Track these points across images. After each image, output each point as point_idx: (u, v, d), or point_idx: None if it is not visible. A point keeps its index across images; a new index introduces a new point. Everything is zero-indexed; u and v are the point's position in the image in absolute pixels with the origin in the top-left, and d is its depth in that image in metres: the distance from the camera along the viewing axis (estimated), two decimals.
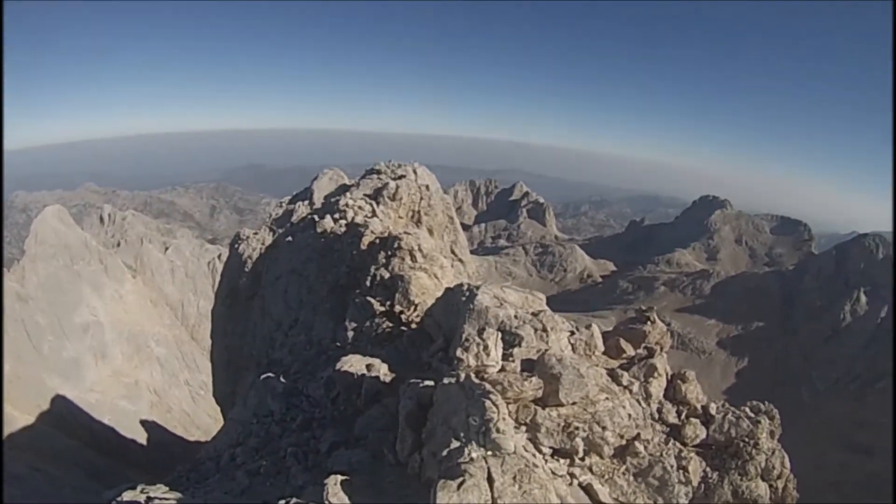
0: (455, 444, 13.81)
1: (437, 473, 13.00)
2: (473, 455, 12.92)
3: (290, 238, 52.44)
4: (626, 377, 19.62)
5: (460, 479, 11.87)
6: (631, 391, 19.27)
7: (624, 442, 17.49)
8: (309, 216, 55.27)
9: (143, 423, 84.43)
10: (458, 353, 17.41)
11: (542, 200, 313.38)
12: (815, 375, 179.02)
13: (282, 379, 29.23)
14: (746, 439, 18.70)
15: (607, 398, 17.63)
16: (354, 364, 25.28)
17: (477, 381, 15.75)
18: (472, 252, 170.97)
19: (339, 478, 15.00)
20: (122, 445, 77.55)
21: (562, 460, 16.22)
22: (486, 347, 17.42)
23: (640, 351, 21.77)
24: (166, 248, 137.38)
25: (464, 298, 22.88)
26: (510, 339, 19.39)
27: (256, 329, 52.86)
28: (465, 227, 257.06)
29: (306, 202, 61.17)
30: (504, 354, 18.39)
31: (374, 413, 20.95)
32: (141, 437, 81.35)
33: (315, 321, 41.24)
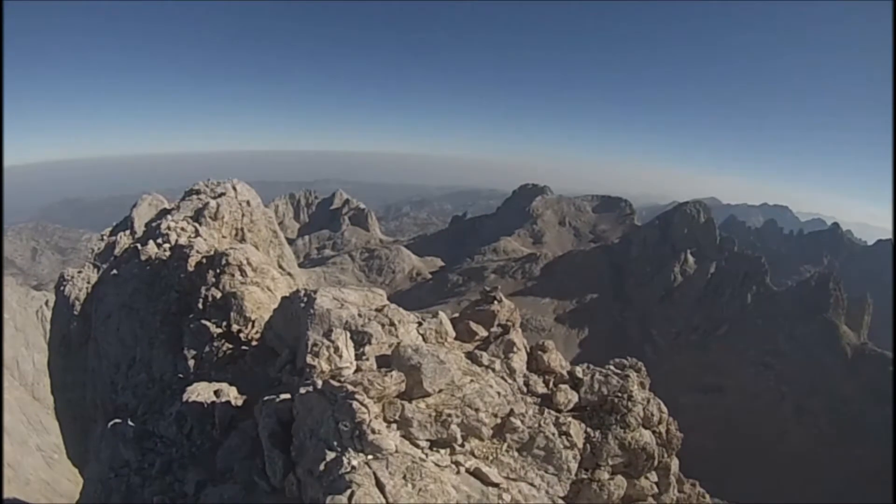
0: (331, 455, 12.85)
1: (320, 491, 12.04)
2: (354, 462, 12.03)
3: (115, 271, 49.60)
4: (486, 357, 19.08)
5: (348, 490, 10.97)
6: (494, 370, 18.74)
7: (499, 420, 16.85)
8: (132, 246, 53.05)
9: (4, 502, 78.62)
10: (309, 359, 16.24)
11: (363, 206, 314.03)
12: (656, 333, 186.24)
13: (130, 423, 27.41)
14: (619, 394, 18.66)
15: (472, 380, 16.89)
16: (201, 392, 23.85)
17: (338, 384, 14.63)
18: (300, 265, 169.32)
19: None
20: None
21: (442, 451, 15.34)
22: (336, 349, 16.37)
23: (493, 329, 21.20)
24: None
25: (303, 305, 21.88)
26: (359, 339, 18.53)
27: (95, 375, 49.83)
28: (290, 241, 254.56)
29: (128, 232, 58.75)
30: (356, 355, 17.46)
31: (234, 442, 19.60)
32: None
33: (153, 356, 39.28)
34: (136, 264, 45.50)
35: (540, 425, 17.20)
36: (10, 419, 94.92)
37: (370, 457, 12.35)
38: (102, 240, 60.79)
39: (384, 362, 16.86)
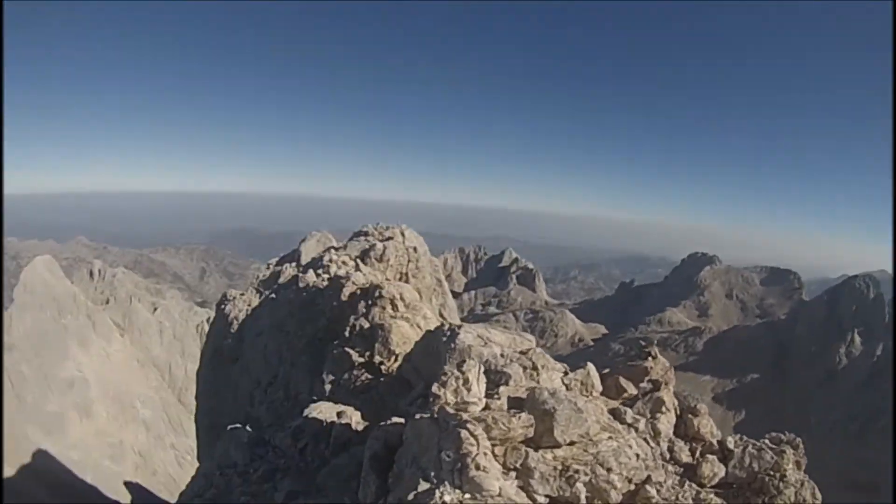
0: (424, 485, 11.49)
1: None
2: (446, 498, 10.60)
3: (273, 295, 51.15)
4: (629, 414, 17.23)
5: None
6: (637, 429, 16.89)
7: (633, 486, 14.81)
8: (294, 276, 53.80)
9: (127, 484, 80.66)
10: (434, 388, 14.75)
11: (531, 266, 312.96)
12: (814, 420, 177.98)
13: (248, 429, 26.98)
14: (771, 472, 16.46)
15: (611, 437, 15.08)
16: (324, 411, 23.25)
17: (454, 411, 13.24)
18: (463, 319, 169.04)
19: None
20: None
21: None
22: (466, 381, 14.80)
23: (643, 385, 19.39)
24: (155, 309, 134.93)
25: (444, 339, 20.85)
26: (496, 378, 16.90)
27: (238, 389, 51.00)
28: (455, 295, 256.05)
29: (293, 264, 60.07)
30: (489, 394, 15.74)
31: (340, 462, 18.82)
32: (124, 498, 77.51)
33: (292, 376, 39.35)
34: (293, 290, 46.62)
35: (678, 499, 15.23)
36: (151, 415, 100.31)
37: (467, 496, 10.88)
38: (269, 268, 62.63)
39: (518, 405, 15.11)
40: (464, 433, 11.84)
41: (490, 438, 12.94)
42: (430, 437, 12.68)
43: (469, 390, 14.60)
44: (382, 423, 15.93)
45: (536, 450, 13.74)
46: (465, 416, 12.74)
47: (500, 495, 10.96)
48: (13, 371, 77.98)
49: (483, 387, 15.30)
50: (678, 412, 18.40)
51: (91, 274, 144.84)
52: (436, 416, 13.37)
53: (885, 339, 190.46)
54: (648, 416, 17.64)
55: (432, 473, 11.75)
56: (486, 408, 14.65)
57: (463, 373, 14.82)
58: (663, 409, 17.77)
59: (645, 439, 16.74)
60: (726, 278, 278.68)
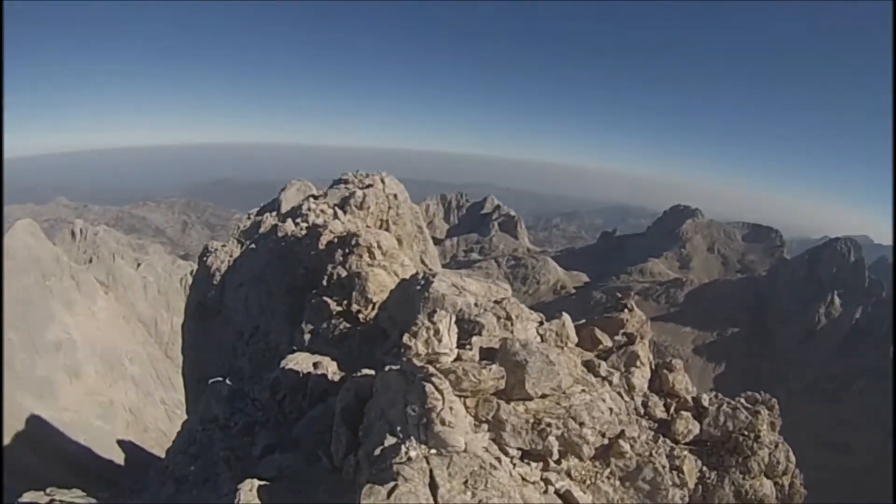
0: (391, 440, 11.37)
1: (368, 475, 10.62)
2: (412, 454, 10.49)
3: (253, 245, 50.94)
4: (604, 367, 17.11)
5: (391, 483, 9.42)
6: (611, 382, 16.78)
7: (606, 441, 14.83)
8: (274, 226, 53.58)
9: (120, 442, 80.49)
10: (405, 339, 14.31)
11: (513, 213, 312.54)
12: (792, 377, 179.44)
13: (227, 382, 26.86)
14: (746, 432, 16.33)
15: (584, 390, 15.00)
16: (300, 363, 23.03)
17: (421, 364, 13.06)
18: (445, 266, 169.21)
19: (256, 483, 12.57)
20: (99, 466, 73.87)
21: (533, 464, 13.57)
22: (436, 332, 14.33)
23: (618, 338, 19.18)
24: (138, 265, 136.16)
25: (419, 287, 20.71)
26: (469, 328, 16.83)
27: (221, 341, 50.94)
28: (437, 242, 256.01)
29: (274, 213, 59.97)
30: (461, 344, 15.57)
31: (316, 413, 18.65)
32: (118, 457, 77.51)
33: (272, 326, 39.18)
34: (272, 240, 46.69)
35: (651, 454, 15.18)
36: (140, 371, 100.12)
37: (433, 451, 10.83)
38: (249, 218, 62.54)
39: (490, 357, 14.93)
40: (429, 387, 11.71)
41: (460, 390, 12.82)
42: (398, 391, 12.57)
43: (440, 341, 14.24)
44: (354, 375, 15.75)
45: (508, 402, 13.67)
46: (431, 369, 12.55)
47: (465, 451, 10.79)
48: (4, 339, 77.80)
49: (454, 337, 14.92)
50: (653, 367, 18.27)
51: (73, 234, 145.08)
52: (403, 367, 13.17)
53: (864, 302, 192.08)
54: (623, 369, 17.53)
55: (399, 428, 11.66)
56: (458, 359, 14.45)
57: (434, 323, 14.40)
58: (638, 363, 17.64)
59: (619, 393, 16.63)
60: (708, 232, 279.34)
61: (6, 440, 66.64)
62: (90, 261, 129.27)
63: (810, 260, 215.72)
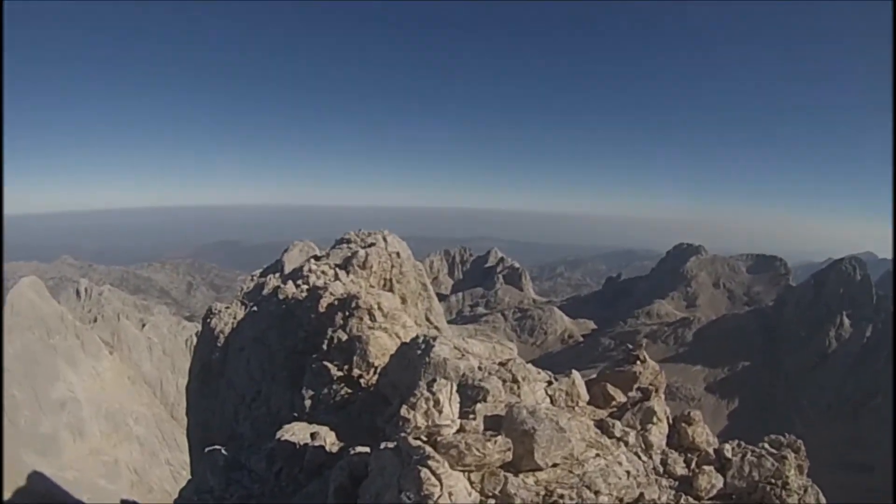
0: None
1: None
2: None
3: (255, 308, 50.24)
4: (618, 427, 16.10)
5: None
6: (626, 443, 15.81)
7: None
8: (276, 287, 53.15)
9: (124, 502, 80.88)
10: (403, 411, 13.50)
11: (517, 265, 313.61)
12: (807, 403, 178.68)
13: (223, 451, 25.95)
14: (773, 480, 15.46)
15: (598, 455, 13.98)
16: (297, 433, 22.15)
17: (418, 443, 11.94)
18: (451, 321, 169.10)
19: None
20: None
21: None
22: (437, 403, 13.54)
23: (632, 394, 18.26)
24: (143, 325, 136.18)
25: (419, 352, 19.84)
26: (473, 394, 15.84)
27: (224, 404, 50.22)
28: (443, 297, 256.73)
29: (277, 274, 59.79)
30: (465, 412, 14.64)
31: (312, 489, 17.70)
32: None
33: (273, 391, 38.32)
34: (274, 302, 45.81)
35: None
36: (145, 431, 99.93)
37: None
38: (253, 280, 62.40)
39: (496, 425, 13.86)
40: (424, 472, 10.65)
41: (464, 465, 11.80)
42: (393, 473, 11.55)
43: (441, 412, 13.38)
44: (350, 451, 14.81)
45: (517, 474, 12.57)
46: (428, 450, 11.46)
47: None
48: (4, 395, 77.53)
49: (456, 407, 14.03)
50: (671, 421, 17.32)
51: (77, 293, 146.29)
52: (399, 444, 12.19)
53: (874, 320, 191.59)
54: (639, 427, 16.56)
55: None
56: (461, 430, 13.30)
57: (433, 393, 13.57)
58: (654, 419, 16.66)
59: (636, 453, 15.68)
60: (713, 268, 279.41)
61: (8, 495, 66.82)
62: (95, 320, 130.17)
63: (816, 284, 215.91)
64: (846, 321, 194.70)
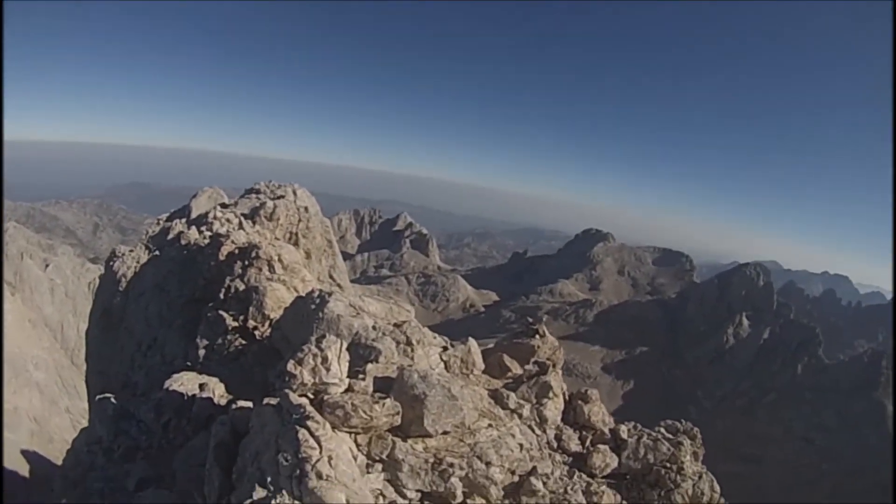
0: (259, 492, 9.78)
1: None
2: None
3: (157, 252, 48.73)
4: (513, 399, 15.85)
5: None
6: (521, 416, 15.55)
7: (516, 478, 13.46)
8: (180, 233, 52.05)
9: (24, 453, 78.53)
10: (290, 366, 12.67)
11: (425, 231, 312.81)
12: (702, 395, 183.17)
13: (112, 400, 25.04)
14: (668, 464, 15.36)
15: (490, 425, 13.64)
16: (186, 383, 21.46)
17: (300, 401, 11.45)
18: (354, 281, 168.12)
19: None
20: (2, 478, 71.71)
21: None
22: (325, 360, 12.78)
23: (528, 367, 17.91)
24: (46, 266, 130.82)
25: (313, 306, 19.22)
26: (365, 354, 15.22)
27: (123, 351, 49.07)
28: (348, 256, 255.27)
29: (183, 220, 58.17)
30: (355, 372, 14.03)
31: (197, 443, 17.11)
32: (23, 468, 74.89)
33: (168, 339, 37.34)
34: (176, 248, 44.96)
35: (566, 491, 13.87)
36: (45, 377, 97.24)
37: None
38: (159, 224, 60.69)
39: (387, 387, 13.38)
40: (302, 434, 10.19)
41: (350, 427, 11.31)
42: (272, 432, 11.05)
43: (328, 370, 12.71)
44: (233, 405, 14.09)
45: (405, 440, 12.22)
46: (309, 409, 10.96)
47: None
48: None
49: (346, 366, 13.43)
50: (567, 398, 17.07)
51: None
52: (281, 403, 11.59)
53: (772, 324, 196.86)
54: (534, 401, 16.31)
55: (269, 478, 10.12)
56: (349, 390, 12.89)
57: (322, 350, 12.89)
58: (551, 394, 16.42)
59: (530, 426, 15.45)
60: (619, 255, 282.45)
61: None
62: None
63: (720, 283, 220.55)
64: (745, 322, 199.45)
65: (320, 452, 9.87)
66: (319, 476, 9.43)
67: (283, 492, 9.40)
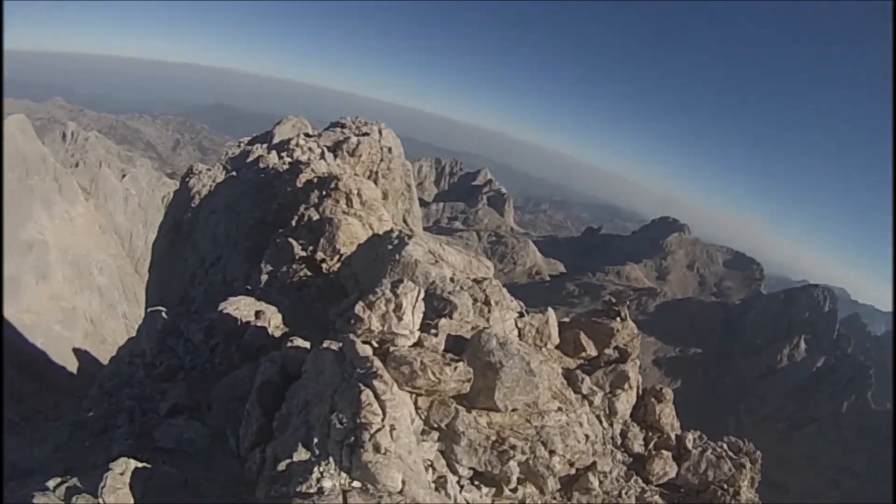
0: (303, 454, 8.60)
1: (265, 495, 8.00)
2: (325, 483, 7.76)
3: (234, 173, 48.99)
4: (587, 383, 14.73)
5: None
6: (591, 403, 14.42)
7: (574, 471, 12.39)
8: (259, 156, 51.56)
9: (76, 351, 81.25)
10: (359, 308, 11.58)
11: (503, 190, 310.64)
12: (744, 408, 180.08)
13: (164, 315, 24.31)
14: (725, 486, 14.33)
15: (560, 408, 12.48)
16: (242, 308, 20.43)
17: (367, 352, 10.31)
18: (426, 229, 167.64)
19: (132, 465, 9.90)
20: (50, 371, 73.88)
21: (485, 489, 11.10)
22: (398, 307, 11.65)
23: (608, 352, 16.70)
24: (123, 176, 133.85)
25: (390, 247, 18.15)
26: (439, 306, 14.00)
27: (186, 265, 49.15)
28: (424, 203, 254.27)
29: (264, 145, 57.83)
30: (426, 324, 12.82)
31: (241, 374, 16.06)
32: (72, 365, 77.72)
33: (232, 259, 36.82)
34: (254, 170, 44.94)
35: (620, 494, 12.86)
36: (107, 282, 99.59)
37: (355, 484, 8.04)
38: (239, 146, 60.64)
39: (458, 348, 12.20)
40: (366, 395, 8.90)
41: (414, 387, 10.20)
42: (329, 383, 9.82)
43: (400, 319, 11.58)
44: (289, 341, 12.99)
45: (469, 410, 11.08)
46: (377, 364, 9.69)
47: (401, 492, 8.05)
48: None
49: (419, 317, 12.27)
50: (640, 392, 15.86)
51: (63, 136, 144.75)
52: (344, 347, 10.46)
53: (828, 353, 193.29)
54: (608, 389, 15.18)
55: (316, 439, 8.90)
56: (419, 344, 11.75)
57: (396, 295, 11.75)
58: (626, 385, 15.32)
59: (598, 417, 14.32)
60: (691, 249, 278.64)
61: None
62: (76, 165, 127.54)
63: (786, 299, 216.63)
64: (802, 344, 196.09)
65: (383, 420, 8.68)
66: (377, 449, 8.18)
67: (331, 459, 8.21)
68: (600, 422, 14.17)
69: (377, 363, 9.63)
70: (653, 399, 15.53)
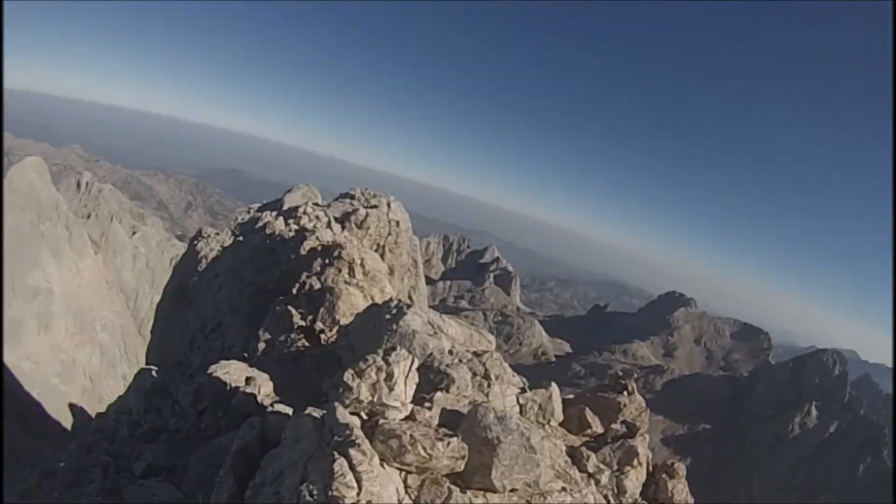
0: None
1: None
2: None
3: (241, 237, 48.90)
4: (593, 461, 13.77)
5: None
6: (598, 482, 13.47)
7: None
8: (267, 222, 51.51)
9: (72, 406, 79.98)
10: (348, 377, 10.76)
11: (510, 269, 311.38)
12: (756, 482, 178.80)
13: (154, 374, 23.82)
14: None
15: (564, 489, 11.63)
16: (232, 373, 19.85)
17: (348, 420, 9.54)
18: (432, 307, 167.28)
19: None
20: (44, 423, 73.46)
21: None
22: (389, 376, 10.80)
23: (615, 427, 15.87)
24: (134, 233, 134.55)
25: (388, 316, 17.50)
26: (435, 379, 13.46)
27: (186, 329, 48.70)
28: (430, 282, 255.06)
29: (274, 213, 57.85)
30: (421, 398, 12.20)
31: (225, 441, 15.29)
32: (66, 420, 76.62)
33: (232, 325, 36.50)
34: (259, 236, 44.76)
35: None
36: (109, 340, 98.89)
37: None
38: (249, 212, 60.95)
39: (453, 423, 11.40)
40: (340, 464, 8.14)
41: (402, 463, 9.36)
42: (305, 451, 9.05)
43: (391, 389, 10.69)
44: (269, 409, 12.32)
45: (464, 490, 10.13)
46: (356, 433, 8.92)
47: None
48: None
49: (412, 389, 11.34)
50: (650, 469, 14.99)
51: (78, 185, 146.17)
52: (324, 418, 9.69)
53: (840, 418, 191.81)
54: (615, 467, 14.30)
55: None
56: (410, 417, 10.89)
57: (388, 364, 10.86)
58: (635, 461, 14.43)
59: (606, 497, 13.39)
60: (698, 323, 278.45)
61: None
62: (88, 216, 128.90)
63: (794, 367, 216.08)
64: (813, 411, 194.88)
65: (358, 495, 7.89)
66: None
67: None
68: (608, 502, 13.28)
69: (357, 431, 8.84)
70: (664, 475, 14.72)
